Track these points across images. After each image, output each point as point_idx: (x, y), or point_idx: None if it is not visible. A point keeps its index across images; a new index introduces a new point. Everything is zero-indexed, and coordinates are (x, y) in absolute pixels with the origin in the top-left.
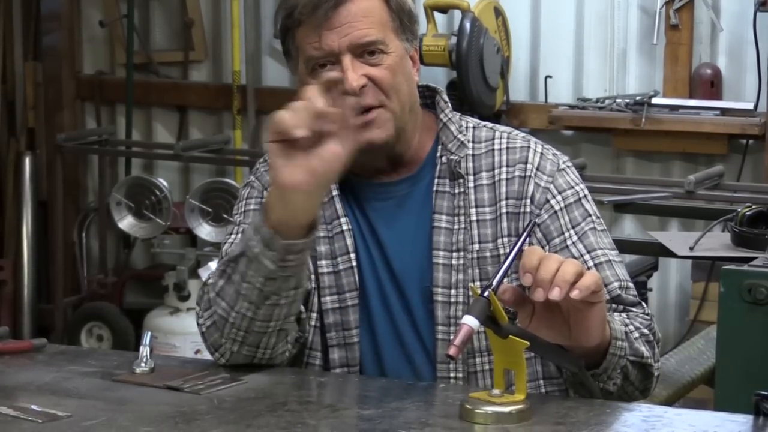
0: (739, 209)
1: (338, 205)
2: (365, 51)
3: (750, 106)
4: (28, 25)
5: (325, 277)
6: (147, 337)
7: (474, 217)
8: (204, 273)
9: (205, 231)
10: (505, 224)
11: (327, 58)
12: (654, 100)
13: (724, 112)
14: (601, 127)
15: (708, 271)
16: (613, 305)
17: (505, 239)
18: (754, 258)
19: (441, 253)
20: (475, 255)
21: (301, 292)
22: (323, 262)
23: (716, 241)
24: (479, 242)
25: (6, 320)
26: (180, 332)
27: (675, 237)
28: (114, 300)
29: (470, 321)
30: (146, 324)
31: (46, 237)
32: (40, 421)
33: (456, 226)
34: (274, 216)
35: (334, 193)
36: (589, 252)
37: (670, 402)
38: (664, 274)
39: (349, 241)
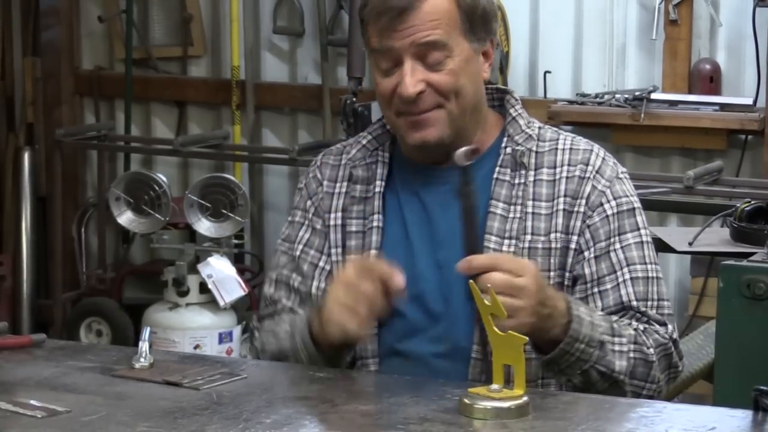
0: (738, 204)
1: (376, 203)
2: (427, 53)
3: (749, 101)
4: (27, 20)
5: None
6: (146, 333)
7: (530, 209)
8: (203, 269)
9: (204, 226)
10: (560, 220)
11: (389, 59)
12: (653, 96)
13: (723, 107)
14: (600, 123)
15: (707, 267)
16: (638, 315)
17: (559, 234)
18: (753, 253)
19: (493, 239)
20: (526, 245)
21: None
22: (352, 257)
23: (715, 237)
24: (532, 234)
25: (5, 315)
26: (179, 327)
27: (674, 232)
28: (113, 295)
29: None
30: (145, 319)
31: (45, 232)
32: (39, 416)
33: (511, 215)
34: (318, 336)
35: (377, 190)
36: (628, 265)
37: (669, 397)
38: (663, 270)
39: (375, 238)
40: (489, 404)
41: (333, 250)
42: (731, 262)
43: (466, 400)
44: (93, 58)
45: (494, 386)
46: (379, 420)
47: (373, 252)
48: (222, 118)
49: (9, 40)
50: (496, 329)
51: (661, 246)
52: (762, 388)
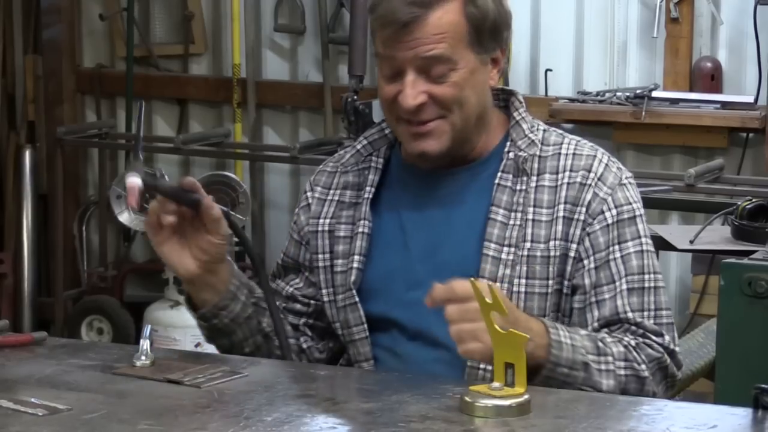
0: (739, 203)
1: (364, 209)
2: (431, 66)
3: (750, 99)
4: (28, 18)
5: (338, 276)
6: (147, 330)
7: (530, 216)
8: None
9: None
10: (560, 227)
11: (392, 67)
12: (654, 94)
13: (725, 105)
14: (602, 121)
15: (708, 265)
16: (632, 327)
17: (558, 242)
18: (754, 251)
19: (492, 245)
20: (525, 252)
21: (251, 308)
22: (339, 261)
23: (716, 235)
24: (531, 241)
25: (6, 313)
26: (180, 325)
27: (675, 230)
28: (114, 293)
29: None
30: (146, 317)
31: (47, 230)
32: (40, 414)
33: (512, 222)
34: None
35: (366, 196)
36: (627, 275)
37: (670, 395)
38: (665, 268)
39: (359, 244)
40: (490, 402)
41: (320, 256)
42: (732, 260)
43: (467, 398)
44: (94, 55)
45: (495, 384)
46: (380, 418)
47: (358, 258)
48: (223, 116)
49: (10, 38)
50: (497, 327)
51: (662, 244)
52: (763, 386)
